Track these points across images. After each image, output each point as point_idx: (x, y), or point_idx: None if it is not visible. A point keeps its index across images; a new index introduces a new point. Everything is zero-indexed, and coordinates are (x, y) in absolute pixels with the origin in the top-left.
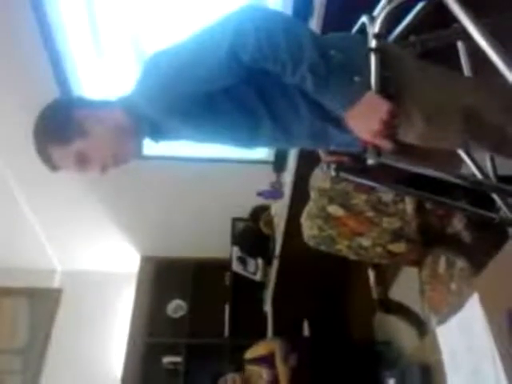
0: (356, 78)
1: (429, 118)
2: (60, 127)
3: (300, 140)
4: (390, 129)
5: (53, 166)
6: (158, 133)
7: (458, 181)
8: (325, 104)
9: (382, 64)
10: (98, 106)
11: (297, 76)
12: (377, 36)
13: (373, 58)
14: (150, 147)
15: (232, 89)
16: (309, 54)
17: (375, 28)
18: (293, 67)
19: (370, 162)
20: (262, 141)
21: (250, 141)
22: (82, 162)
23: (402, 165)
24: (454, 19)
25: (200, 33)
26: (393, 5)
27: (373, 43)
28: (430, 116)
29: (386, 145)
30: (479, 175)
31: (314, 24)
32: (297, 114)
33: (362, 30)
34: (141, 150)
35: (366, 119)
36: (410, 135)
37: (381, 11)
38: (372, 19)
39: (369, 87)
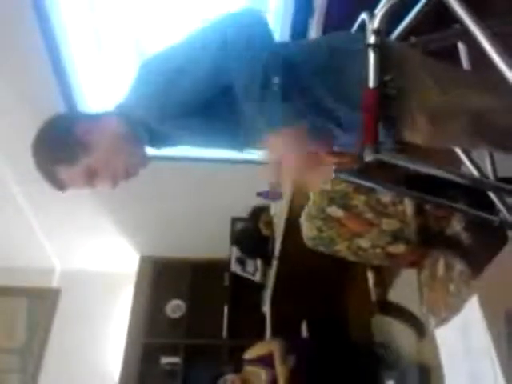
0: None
1: (434, 121)
2: (64, 148)
3: None
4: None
5: (61, 186)
6: (157, 139)
7: (457, 179)
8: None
9: (385, 64)
10: (95, 117)
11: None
12: (376, 32)
13: (371, 55)
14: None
15: (229, 92)
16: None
17: (374, 24)
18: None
19: (368, 158)
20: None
21: (246, 144)
22: (92, 177)
23: (401, 163)
24: (454, 20)
25: (191, 38)
26: (393, 1)
27: (372, 39)
28: (436, 118)
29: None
30: (479, 177)
31: (315, 23)
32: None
33: (362, 28)
34: (146, 158)
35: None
36: (416, 138)
37: (381, 8)
38: (372, 16)
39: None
